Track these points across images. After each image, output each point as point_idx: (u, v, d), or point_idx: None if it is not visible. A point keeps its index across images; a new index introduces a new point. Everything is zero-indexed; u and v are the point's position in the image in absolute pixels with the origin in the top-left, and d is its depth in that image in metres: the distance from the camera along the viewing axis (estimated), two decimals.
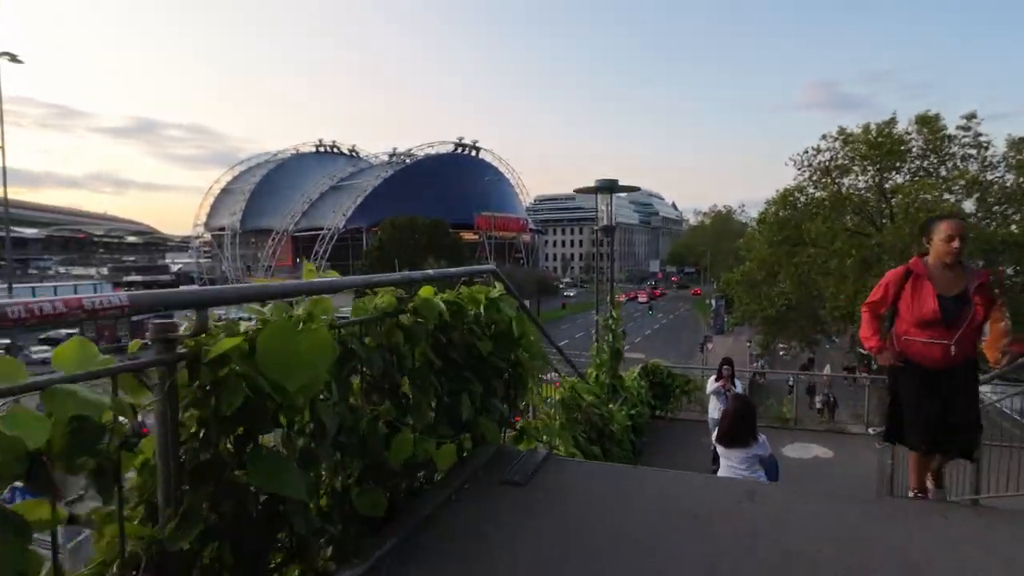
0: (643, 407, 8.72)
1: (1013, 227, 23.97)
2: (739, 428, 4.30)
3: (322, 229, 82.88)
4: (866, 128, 27.57)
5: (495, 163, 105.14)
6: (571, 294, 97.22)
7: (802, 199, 29.78)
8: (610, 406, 7.25)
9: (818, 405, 20.88)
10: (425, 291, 2.53)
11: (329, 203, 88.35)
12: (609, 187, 7.59)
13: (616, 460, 6.34)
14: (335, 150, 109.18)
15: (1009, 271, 24.29)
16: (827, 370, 39.48)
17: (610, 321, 7.74)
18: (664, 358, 43.95)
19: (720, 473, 4.38)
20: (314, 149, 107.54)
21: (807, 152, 29.32)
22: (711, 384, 7.71)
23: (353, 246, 79.06)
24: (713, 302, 64.73)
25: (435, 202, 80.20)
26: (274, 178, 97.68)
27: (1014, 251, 23.18)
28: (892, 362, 3.34)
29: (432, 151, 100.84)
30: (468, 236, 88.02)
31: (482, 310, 2.86)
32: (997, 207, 25.03)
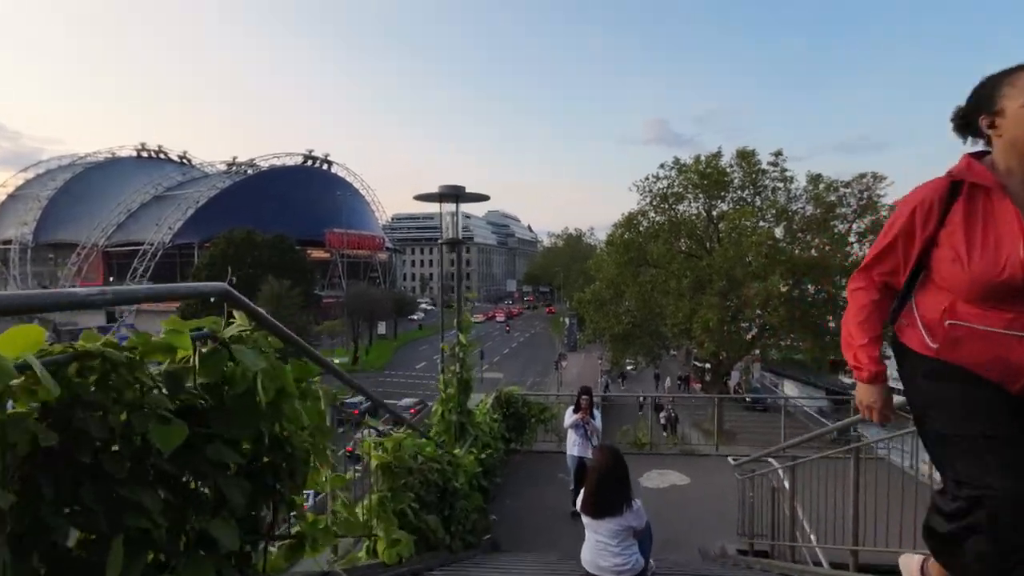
0: (497, 443, 7.77)
1: (813, 251, 27.45)
2: (610, 493, 3.38)
3: (143, 244, 72.41)
4: (697, 160, 30.22)
5: (348, 178, 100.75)
6: (416, 317, 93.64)
7: (644, 223, 31.81)
8: (456, 451, 6.16)
9: (662, 421, 21.79)
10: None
11: (152, 214, 77.70)
12: (455, 194, 6.59)
13: (461, 518, 5.25)
14: (161, 156, 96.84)
15: (810, 288, 27.79)
16: (667, 384, 42.57)
17: (457, 349, 6.69)
18: (522, 376, 44.09)
19: (585, 549, 3.47)
20: (135, 153, 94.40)
21: (647, 179, 31.46)
22: (568, 416, 7.01)
23: (182, 264, 70.02)
24: (567, 320, 67.40)
25: (281, 217, 74.11)
26: (81, 184, 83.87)
27: (816, 272, 26.49)
28: (886, 416, 1.87)
29: (278, 163, 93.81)
30: (318, 254, 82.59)
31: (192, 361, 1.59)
32: (800, 234, 28.60)
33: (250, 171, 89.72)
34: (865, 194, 27.55)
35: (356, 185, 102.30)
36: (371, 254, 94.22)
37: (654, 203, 31.52)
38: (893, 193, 27.75)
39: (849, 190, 27.77)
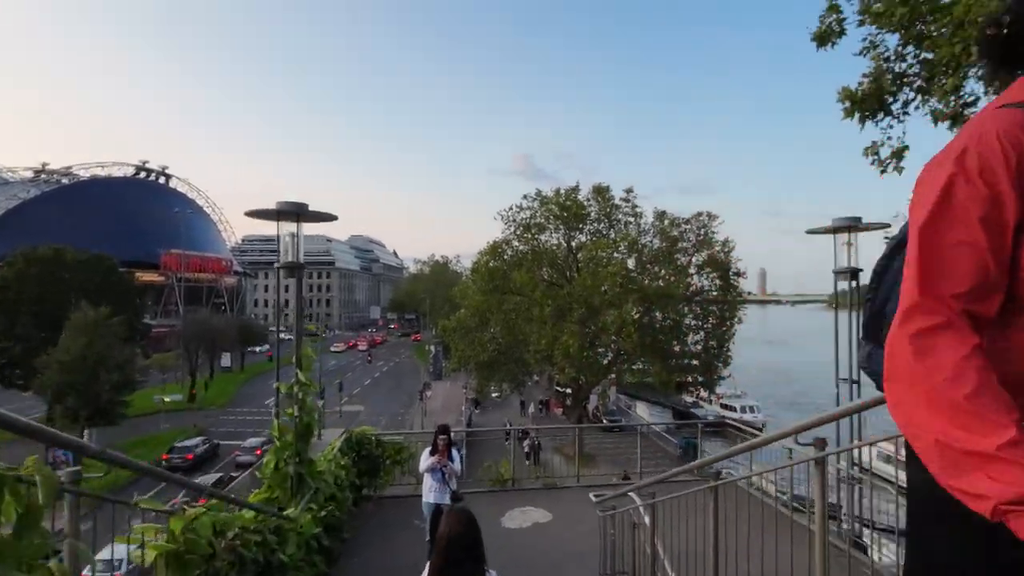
0: (344, 492, 6.87)
1: (660, 282, 29.72)
2: (461, 565, 2.85)
3: None
4: (557, 192, 31.56)
5: (191, 195, 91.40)
6: (260, 349, 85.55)
7: (508, 251, 32.41)
8: (291, 510, 5.23)
9: (525, 449, 21.80)
10: None
11: None
12: (295, 211, 5.77)
13: None
14: None
15: (658, 315, 29.95)
16: (531, 409, 43.26)
17: (296, 388, 5.77)
18: (384, 408, 41.98)
19: None
20: None
21: (511, 209, 32.23)
22: (424, 459, 6.37)
23: None
24: (432, 348, 66.25)
25: (105, 235, 64.63)
26: None
27: (663, 301, 28.62)
28: None
29: (103, 172, 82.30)
30: (149, 277, 73.29)
31: None
32: (649, 265, 30.88)
33: (65, 180, 77.57)
34: (702, 230, 30.56)
35: (200, 202, 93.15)
36: (216, 278, 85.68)
37: (517, 232, 32.30)
38: (724, 231, 31.21)
39: (689, 226, 30.63)
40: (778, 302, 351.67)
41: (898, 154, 6.34)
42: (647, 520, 4.90)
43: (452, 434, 6.62)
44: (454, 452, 6.46)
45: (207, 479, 24.81)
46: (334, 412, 42.50)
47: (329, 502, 6.06)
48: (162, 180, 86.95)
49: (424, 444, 7.46)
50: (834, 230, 6.85)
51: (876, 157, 6.34)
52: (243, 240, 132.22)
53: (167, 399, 38.20)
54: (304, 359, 5.94)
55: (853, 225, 6.67)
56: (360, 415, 43.51)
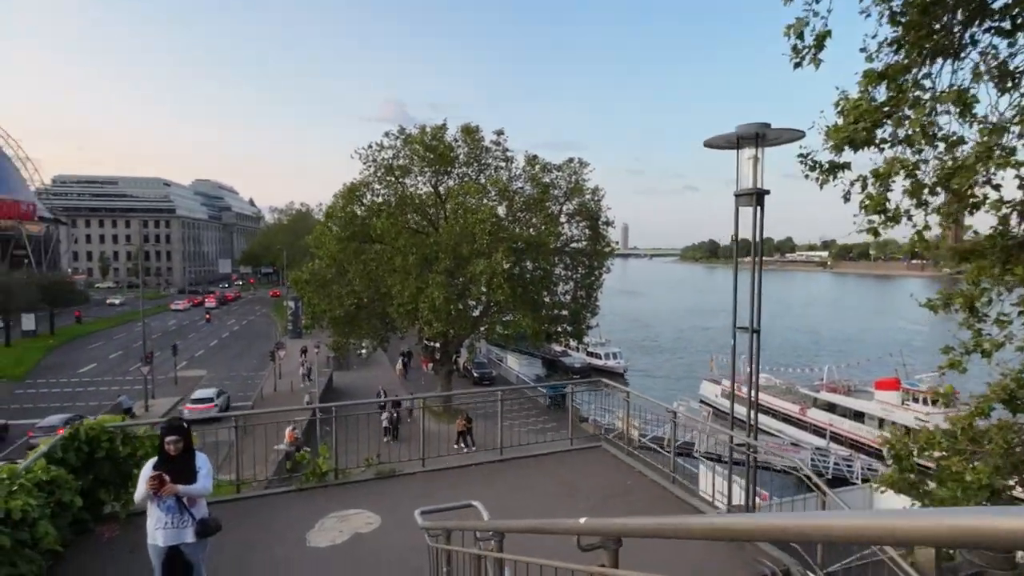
0: (43, 525, 4.33)
1: (532, 230, 28.48)
2: None
3: None
4: (422, 130, 28.69)
5: None
6: (117, 301, 77.28)
7: (369, 196, 29.20)
8: None
9: (384, 423, 19.37)
10: None
11: None
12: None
13: None
14: None
15: (529, 265, 28.86)
16: (399, 367, 40.90)
17: None
18: (231, 372, 37.22)
19: None
20: None
21: (371, 147, 28.84)
22: (144, 477, 4.00)
23: None
24: (292, 304, 60.72)
25: None
26: None
27: (534, 250, 27.46)
28: None
29: None
30: None
31: None
32: (520, 213, 29.46)
33: None
34: (573, 177, 29.62)
35: None
36: (14, 225, 70.92)
37: (379, 174, 29.12)
38: (594, 179, 30.61)
39: (561, 173, 29.51)
40: (638, 255, 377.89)
41: (820, 41, 4.95)
42: (494, 552, 3.07)
43: (191, 429, 4.27)
44: (199, 459, 4.17)
45: None
46: (168, 379, 36.98)
47: None
48: None
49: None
50: (737, 140, 5.36)
51: (798, 39, 4.88)
52: (55, 181, 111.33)
53: None
54: None
55: (761, 133, 5.20)
56: (201, 380, 38.38)
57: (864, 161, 5.47)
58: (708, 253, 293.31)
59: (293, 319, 57.68)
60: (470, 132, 29.32)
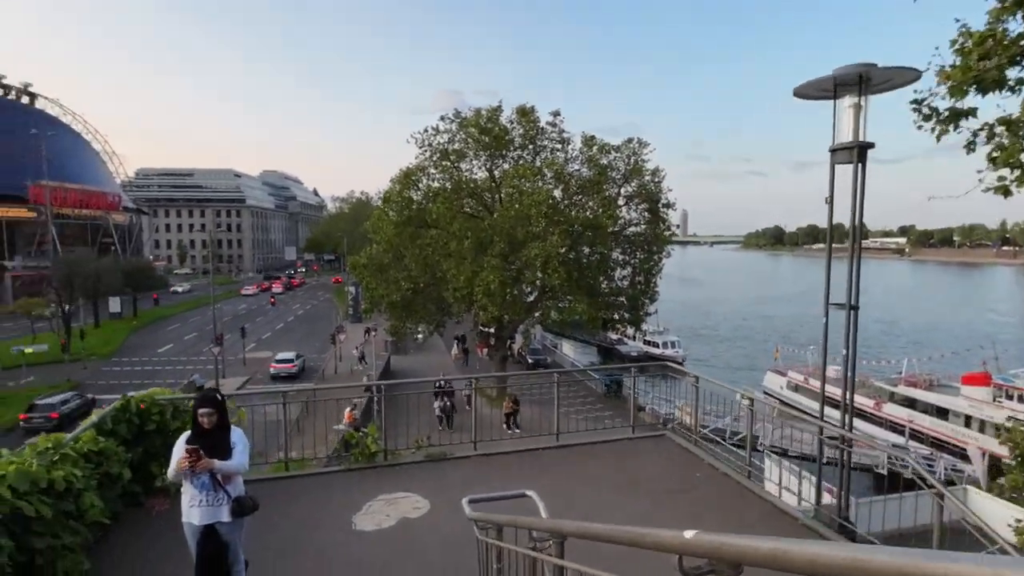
0: (88, 496, 4.24)
1: (588, 212, 27.68)
2: None
3: None
4: (477, 113, 28.35)
5: (65, 119, 79.38)
6: (181, 289, 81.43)
7: (425, 180, 29.18)
8: None
9: (436, 412, 19.18)
10: None
11: None
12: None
13: None
14: None
15: (586, 250, 28.12)
16: (455, 352, 41.13)
17: None
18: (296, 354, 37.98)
19: None
20: None
21: (427, 131, 28.77)
22: (177, 451, 3.84)
23: None
24: (353, 289, 62.33)
25: None
26: None
27: (591, 233, 26.69)
28: None
29: None
30: (15, 212, 63.77)
31: None
32: (576, 196, 28.69)
33: None
34: (632, 159, 28.51)
35: (77, 128, 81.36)
36: (103, 215, 76.07)
37: (434, 159, 29.03)
38: (658, 151, 29.27)
39: (619, 154, 28.48)
40: (697, 243, 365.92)
41: None
42: (553, 556, 2.59)
43: (226, 401, 4.02)
44: (234, 435, 3.93)
45: None
46: (237, 360, 38.69)
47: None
48: (25, 100, 74.60)
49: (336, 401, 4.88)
50: (835, 87, 4.59)
51: None
52: (137, 174, 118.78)
53: (28, 350, 32.96)
54: None
55: (865, 75, 4.42)
56: (268, 362, 39.97)
57: (990, 108, 4.60)
58: (773, 240, 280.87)
59: (353, 304, 59.25)
60: (525, 113, 28.72)
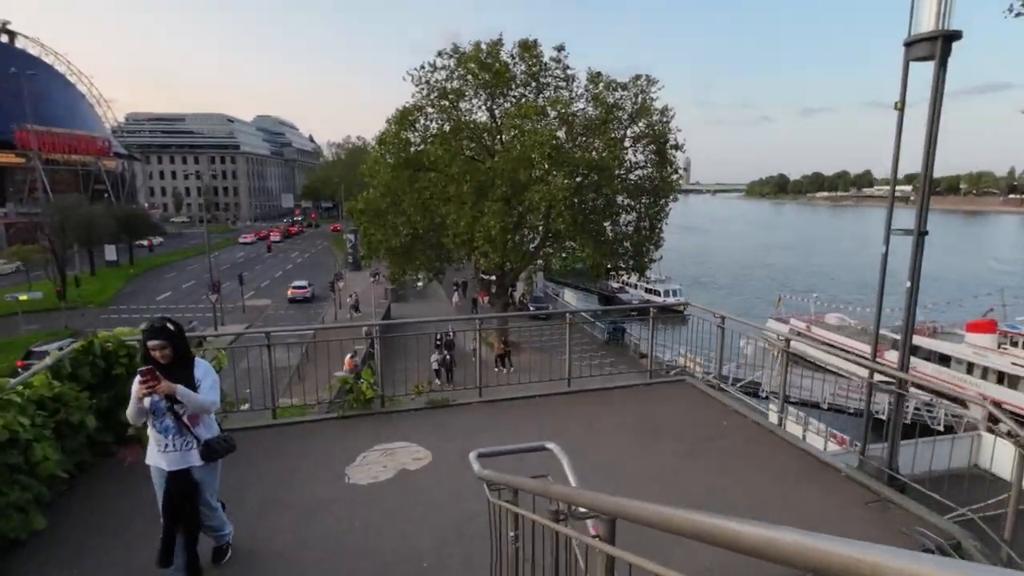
0: (40, 448, 3.72)
1: (593, 153, 26.54)
2: None
3: None
4: (477, 46, 26.75)
5: (48, 60, 76.13)
6: (159, 241, 77.39)
7: (422, 120, 27.84)
8: None
9: (434, 365, 18.60)
10: None
11: None
12: None
13: None
14: None
15: (592, 194, 27.14)
16: (455, 299, 40.71)
17: None
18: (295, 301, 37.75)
19: None
20: None
21: (423, 68, 27.23)
22: (133, 401, 3.29)
23: None
24: (351, 237, 61.46)
25: None
26: None
27: (596, 175, 25.66)
28: None
29: None
30: (3, 158, 62.06)
31: None
32: (581, 137, 27.45)
33: None
34: (640, 97, 27.11)
35: (60, 69, 78.17)
36: (93, 160, 74.16)
37: (432, 98, 27.58)
38: (664, 98, 27.89)
39: (627, 92, 27.05)
40: (699, 191, 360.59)
41: None
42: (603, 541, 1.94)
43: (183, 329, 3.40)
44: (199, 369, 3.35)
45: None
46: (236, 307, 38.31)
47: None
48: (4, 39, 71.30)
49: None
50: None
51: None
52: (128, 119, 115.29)
53: (24, 297, 32.48)
54: None
55: None
56: (267, 309, 39.66)
57: None
58: (776, 188, 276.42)
59: (352, 251, 58.52)
60: (528, 48, 27.10)
